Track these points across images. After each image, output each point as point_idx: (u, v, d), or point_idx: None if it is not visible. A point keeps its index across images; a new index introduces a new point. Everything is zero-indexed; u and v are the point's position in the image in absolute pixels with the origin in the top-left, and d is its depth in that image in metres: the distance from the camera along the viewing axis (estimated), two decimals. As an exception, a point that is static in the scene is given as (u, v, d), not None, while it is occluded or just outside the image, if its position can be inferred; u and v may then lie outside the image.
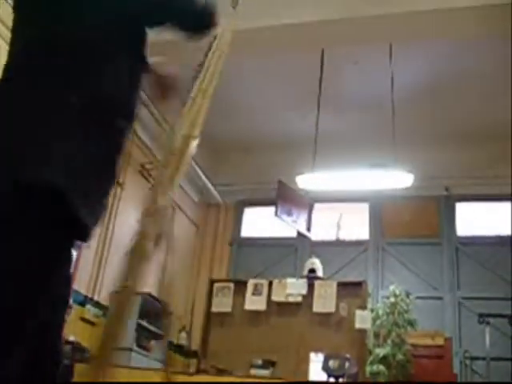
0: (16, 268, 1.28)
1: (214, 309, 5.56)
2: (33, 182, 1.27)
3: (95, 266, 6.33)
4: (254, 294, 5.49)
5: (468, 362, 7.09)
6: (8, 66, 1.43)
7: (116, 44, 1.46)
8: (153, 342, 6.74)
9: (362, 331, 5.04)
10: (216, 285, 5.71)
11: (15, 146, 1.30)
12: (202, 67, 2.10)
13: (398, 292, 6.92)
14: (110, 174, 1.50)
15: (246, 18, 3.36)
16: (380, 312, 6.80)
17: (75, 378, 4.17)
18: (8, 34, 4.95)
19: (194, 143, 1.93)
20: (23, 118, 1.32)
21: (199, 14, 1.69)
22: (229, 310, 5.50)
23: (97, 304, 6.29)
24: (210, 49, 2.12)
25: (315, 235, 6.85)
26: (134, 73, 1.53)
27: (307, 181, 6.76)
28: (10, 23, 5.00)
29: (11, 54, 1.49)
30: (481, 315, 6.73)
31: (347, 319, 5.07)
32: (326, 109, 6.70)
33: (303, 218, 6.24)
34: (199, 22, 1.72)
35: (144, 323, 6.45)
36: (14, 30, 1.56)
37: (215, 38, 2.10)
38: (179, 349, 7.42)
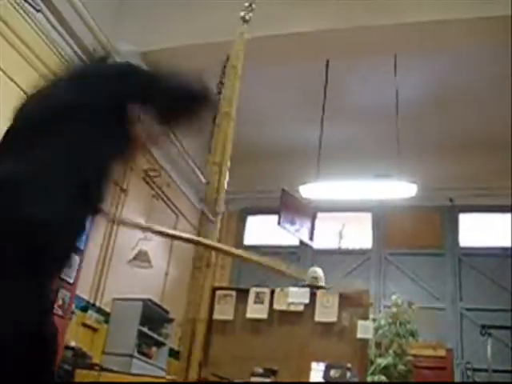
0: None
1: (215, 316, 5.53)
2: None
3: (97, 271, 6.34)
4: (255, 302, 5.46)
5: (470, 373, 7.06)
6: None
7: None
8: (154, 349, 6.73)
9: (364, 341, 4.99)
10: (218, 292, 5.68)
11: None
12: (219, 91, 2.10)
13: (400, 302, 6.90)
14: None
15: (250, 27, 3.39)
16: (382, 322, 6.78)
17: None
18: (8, 34, 4.96)
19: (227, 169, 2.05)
20: None
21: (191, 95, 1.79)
22: (230, 317, 5.48)
23: (99, 310, 6.29)
24: (223, 72, 2.12)
25: (318, 244, 6.84)
26: None
27: (311, 190, 6.77)
28: (10, 23, 4.98)
29: None
30: (483, 327, 6.71)
31: (349, 329, 5.02)
32: (330, 118, 6.71)
33: (306, 226, 6.24)
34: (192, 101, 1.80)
35: (145, 330, 6.45)
36: None
37: (228, 58, 2.11)
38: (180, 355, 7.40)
